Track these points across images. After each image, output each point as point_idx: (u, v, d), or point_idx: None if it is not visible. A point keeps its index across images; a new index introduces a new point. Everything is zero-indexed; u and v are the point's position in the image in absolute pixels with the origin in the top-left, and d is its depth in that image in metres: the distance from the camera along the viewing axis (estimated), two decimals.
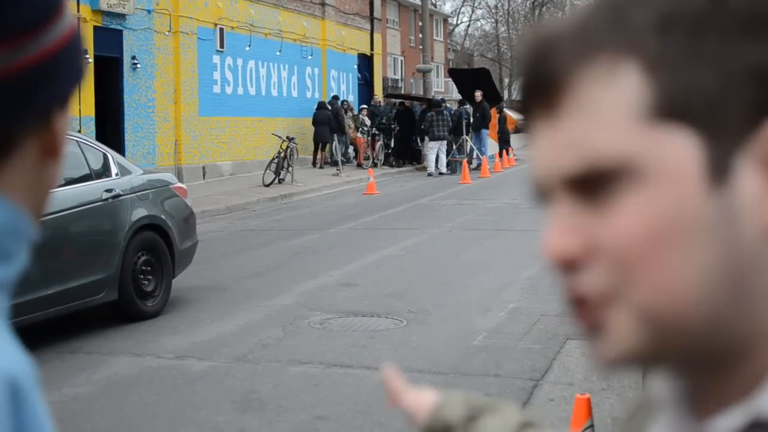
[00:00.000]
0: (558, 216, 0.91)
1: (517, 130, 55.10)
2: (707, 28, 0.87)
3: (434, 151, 32.78)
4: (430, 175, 32.38)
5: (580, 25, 0.90)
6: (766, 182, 0.86)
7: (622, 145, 0.87)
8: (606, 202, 0.88)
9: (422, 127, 33.59)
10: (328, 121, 35.00)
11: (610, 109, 0.88)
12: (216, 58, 31.31)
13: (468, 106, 35.60)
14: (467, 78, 39.57)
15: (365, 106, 38.29)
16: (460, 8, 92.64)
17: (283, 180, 27.82)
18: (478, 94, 34.77)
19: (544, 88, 0.91)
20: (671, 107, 0.86)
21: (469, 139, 34.71)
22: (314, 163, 35.13)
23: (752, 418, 0.87)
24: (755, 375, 0.89)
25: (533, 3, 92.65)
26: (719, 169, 0.86)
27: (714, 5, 0.87)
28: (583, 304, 0.91)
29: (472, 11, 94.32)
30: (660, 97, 0.86)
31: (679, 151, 0.86)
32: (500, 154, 36.01)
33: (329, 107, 35.70)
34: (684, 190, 0.86)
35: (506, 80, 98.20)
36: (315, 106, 35.89)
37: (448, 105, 35.07)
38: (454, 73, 43.21)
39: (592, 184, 0.88)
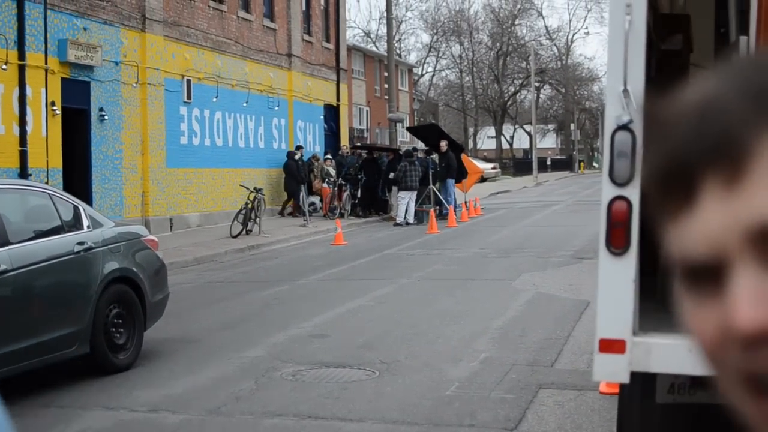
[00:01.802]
0: (746, 284, 0.83)
1: (483, 179, 55.40)
2: None
3: (405, 201, 32.84)
4: (397, 224, 32.43)
5: (755, 91, 0.85)
6: None
7: None
8: None
9: (393, 177, 33.68)
10: (289, 171, 35.29)
11: None
12: (183, 110, 31.36)
13: (434, 155, 35.72)
14: (421, 133, 39.85)
15: (329, 156, 38.39)
16: (425, 58, 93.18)
17: (251, 231, 27.82)
18: (443, 144, 34.87)
19: (722, 154, 0.85)
20: None
21: (436, 189, 34.81)
22: (282, 213, 35.60)
23: None
24: None
25: (497, 52, 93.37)
26: None
27: None
28: None
29: (437, 61, 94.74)
30: None
31: None
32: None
33: (292, 157, 36.03)
34: None
35: (471, 129, 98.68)
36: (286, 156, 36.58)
37: (418, 155, 35.18)
38: (411, 130, 43.62)
39: None
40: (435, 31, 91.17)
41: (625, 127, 5.07)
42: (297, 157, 36.03)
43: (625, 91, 5.05)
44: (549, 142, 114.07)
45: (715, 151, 0.84)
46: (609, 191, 5.17)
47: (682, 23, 8.51)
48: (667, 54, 8.04)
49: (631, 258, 5.17)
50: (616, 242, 5.14)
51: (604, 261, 5.20)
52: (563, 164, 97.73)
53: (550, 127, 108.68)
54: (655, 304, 5.98)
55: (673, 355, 5.26)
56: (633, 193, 5.14)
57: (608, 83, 5.16)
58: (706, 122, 0.86)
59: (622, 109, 5.06)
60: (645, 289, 5.82)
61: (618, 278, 5.17)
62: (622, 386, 6.06)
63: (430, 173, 34.49)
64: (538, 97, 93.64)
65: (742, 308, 0.82)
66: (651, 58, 7.83)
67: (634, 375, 5.50)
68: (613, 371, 5.43)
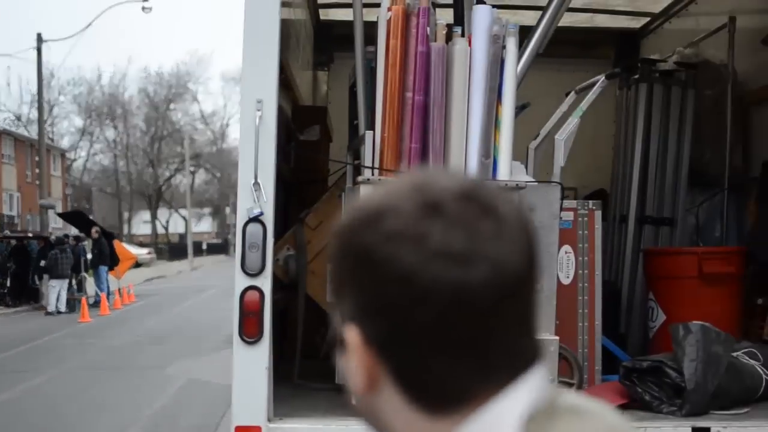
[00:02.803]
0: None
1: (138, 265, 54.73)
2: None
3: (56, 289, 32.01)
4: (49, 314, 31.53)
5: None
6: (354, 361, 1.34)
7: None
8: None
9: (44, 264, 32.78)
10: None
11: None
12: None
13: (86, 242, 35.11)
14: (71, 219, 39.09)
15: None
16: (78, 142, 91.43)
17: None
18: (95, 231, 34.36)
19: None
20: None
21: (88, 276, 34.18)
22: None
23: None
24: None
25: (152, 136, 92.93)
26: (340, 341, 1.37)
27: None
28: None
29: (91, 145, 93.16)
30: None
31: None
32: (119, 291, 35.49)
33: None
34: None
35: (126, 214, 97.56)
36: None
37: (70, 242, 34.37)
38: (62, 216, 42.78)
39: None
40: (89, 114, 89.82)
41: (256, 219, 5.25)
42: None
43: (256, 184, 5.23)
44: (205, 225, 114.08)
45: None
46: (241, 282, 5.31)
47: (319, 115, 8.87)
48: (306, 144, 8.34)
49: (265, 346, 5.30)
50: (249, 331, 5.26)
51: (237, 349, 5.32)
52: (219, 248, 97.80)
53: (206, 210, 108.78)
54: (291, 390, 6.16)
55: None
56: (265, 283, 5.30)
57: (240, 177, 5.31)
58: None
59: (254, 202, 5.24)
60: (281, 375, 5.99)
61: (252, 366, 5.29)
62: None
63: (82, 260, 33.87)
64: (193, 181, 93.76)
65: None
66: (290, 148, 8.13)
67: None
68: None
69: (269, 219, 5.27)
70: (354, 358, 1.32)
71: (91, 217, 40.03)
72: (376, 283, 1.26)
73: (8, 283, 35.14)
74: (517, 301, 1.28)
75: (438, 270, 1.23)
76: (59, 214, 44.19)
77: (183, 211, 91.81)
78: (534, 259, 1.31)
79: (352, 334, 1.31)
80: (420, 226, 1.24)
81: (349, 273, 1.31)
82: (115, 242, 36.88)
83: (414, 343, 1.27)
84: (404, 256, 1.24)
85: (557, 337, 5.68)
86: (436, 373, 1.28)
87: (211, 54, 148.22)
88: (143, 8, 48.42)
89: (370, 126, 5.68)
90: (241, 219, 5.29)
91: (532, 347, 1.33)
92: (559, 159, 6.05)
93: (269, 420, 5.34)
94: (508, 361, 1.29)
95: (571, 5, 7.88)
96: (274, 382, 5.45)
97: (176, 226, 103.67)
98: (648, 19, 10.19)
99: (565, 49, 9.87)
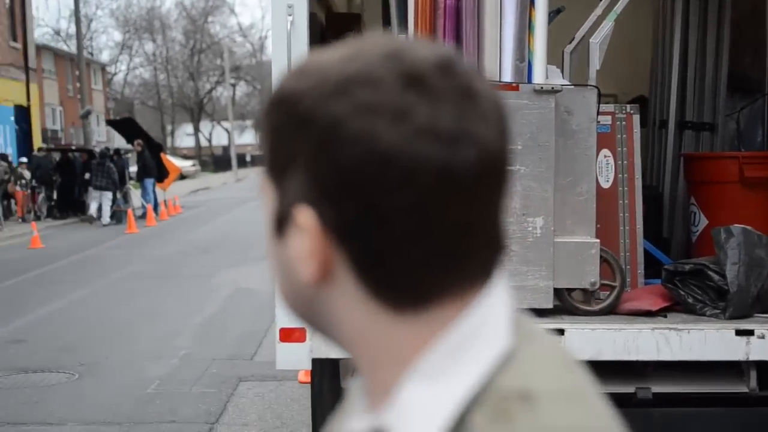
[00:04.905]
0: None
1: (182, 177, 55.09)
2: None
3: (97, 200, 32.36)
4: (95, 222, 31.92)
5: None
6: (306, 248, 1.15)
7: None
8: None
9: (89, 177, 33.10)
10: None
11: None
12: None
13: (129, 155, 35.29)
14: (121, 127, 39.11)
15: (24, 159, 37.34)
16: (118, 56, 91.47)
17: None
18: (137, 144, 34.51)
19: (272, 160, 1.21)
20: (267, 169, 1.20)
21: (133, 188, 34.45)
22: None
23: (374, 428, 1.16)
24: (382, 386, 1.17)
25: (192, 49, 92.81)
26: (278, 224, 1.18)
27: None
28: None
29: (130, 59, 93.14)
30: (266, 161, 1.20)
31: (272, 201, 1.19)
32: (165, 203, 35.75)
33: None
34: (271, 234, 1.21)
35: (169, 127, 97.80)
36: None
37: (113, 155, 34.57)
38: (111, 124, 42.73)
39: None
40: (127, 29, 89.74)
41: None
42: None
43: None
44: (248, 138, 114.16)
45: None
46: None
47: (353, 22, 8.90)
48: None
49: None
50: None
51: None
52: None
53: (248, 123, 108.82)
54: None
55: None
56: None
57: (274, 83, 5.37)
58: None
59: None
60: None
61: None
62: (312, 374, 6.30)
63: (127, 173, 34.10)
64: (234, 93, 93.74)
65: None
66: None
67: (318, 362, 5.73)
68: (295, 359, 5.60)
69: None
70: (304, 245, 1.15)
71: (142, 127, 39.98)
72: (345, 162, 1.10)
73: (55, 196, 35.55)
74: (500, 187, 1.17)
75: (423, 149, 1.09)
76: (108, 122, 44.31)
77: (225, 124, 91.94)
78: (509, 143, 1.18)
79: (305, 217, 1.14)
80: (402, 99, 1.10)
81: (305, 146, 1.13)
82: (162, 155, 37.06)
83: (388, 229, 1.12)
84: (383, 133, 1.09)
85: (598, 240, 5.71)
86: (409, 262, 1.14)
87: None
88: None
89: (403, 31, 5.72)
90: None
91: (502, 238, 1.21)
92: (595, 62, 6.06)
93: None
94: (483, 253, 1.18)
95: None
96: None
97: (219, 139, 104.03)
98: None
99: None
